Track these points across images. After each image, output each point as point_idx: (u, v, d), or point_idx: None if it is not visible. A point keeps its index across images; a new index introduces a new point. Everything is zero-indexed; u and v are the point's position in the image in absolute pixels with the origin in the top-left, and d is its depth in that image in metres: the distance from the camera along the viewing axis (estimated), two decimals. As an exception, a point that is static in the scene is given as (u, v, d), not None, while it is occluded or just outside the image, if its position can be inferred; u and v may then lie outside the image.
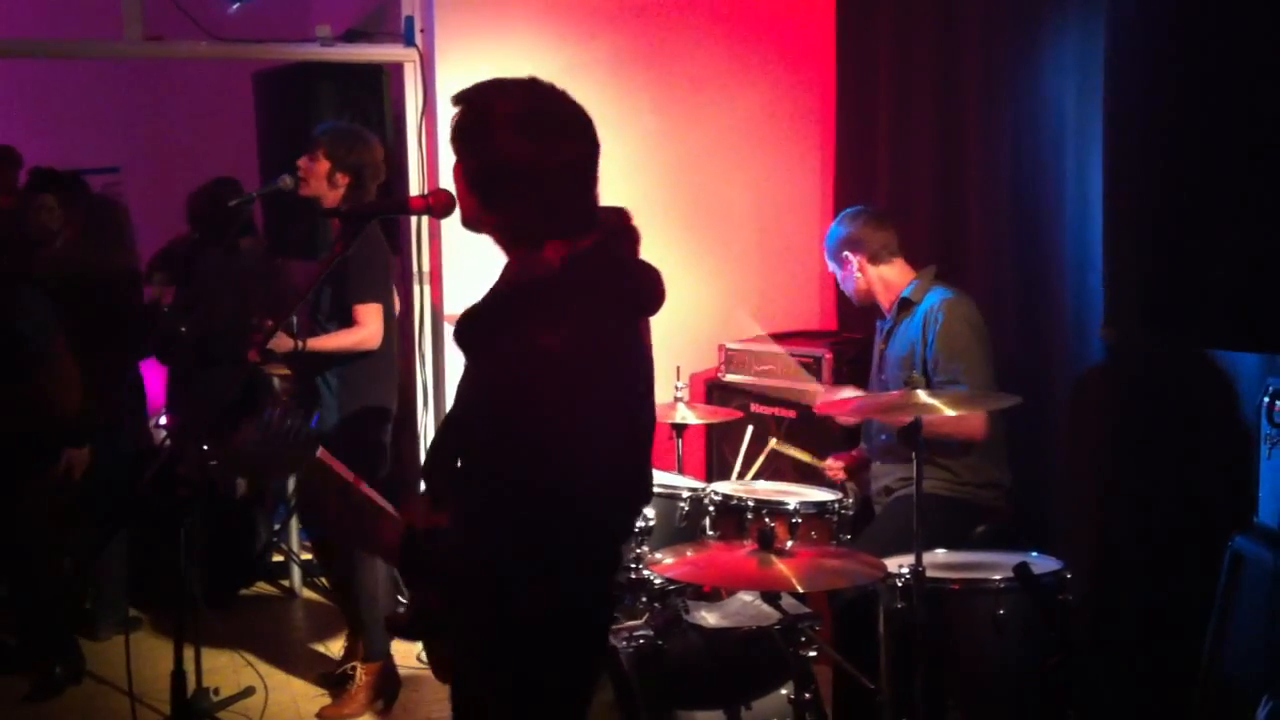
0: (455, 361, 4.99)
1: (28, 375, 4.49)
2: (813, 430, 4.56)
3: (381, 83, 5.44)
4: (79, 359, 4.63)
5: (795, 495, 3.92)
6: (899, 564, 3.31)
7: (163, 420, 5.89)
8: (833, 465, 4.26)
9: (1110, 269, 3.47)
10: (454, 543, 2.32)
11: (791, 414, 4.73)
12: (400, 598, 4.51)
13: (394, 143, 5.24)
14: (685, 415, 4.21)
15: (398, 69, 5.30)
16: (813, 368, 4.71)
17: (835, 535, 3.78)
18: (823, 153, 5.43)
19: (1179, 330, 2.99)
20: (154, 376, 5.75)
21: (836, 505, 3.82)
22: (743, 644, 3.28)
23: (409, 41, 5.18)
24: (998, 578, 3.30)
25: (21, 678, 4.69)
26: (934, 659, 3.26)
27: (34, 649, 4.75)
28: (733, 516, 3.78)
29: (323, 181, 4.29)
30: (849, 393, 4.07)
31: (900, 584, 3.30)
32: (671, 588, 3.48)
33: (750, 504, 3.77)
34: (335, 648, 5.00)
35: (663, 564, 3.18)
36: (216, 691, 4.24)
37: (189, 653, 3.02)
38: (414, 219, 5.14)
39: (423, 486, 2.53)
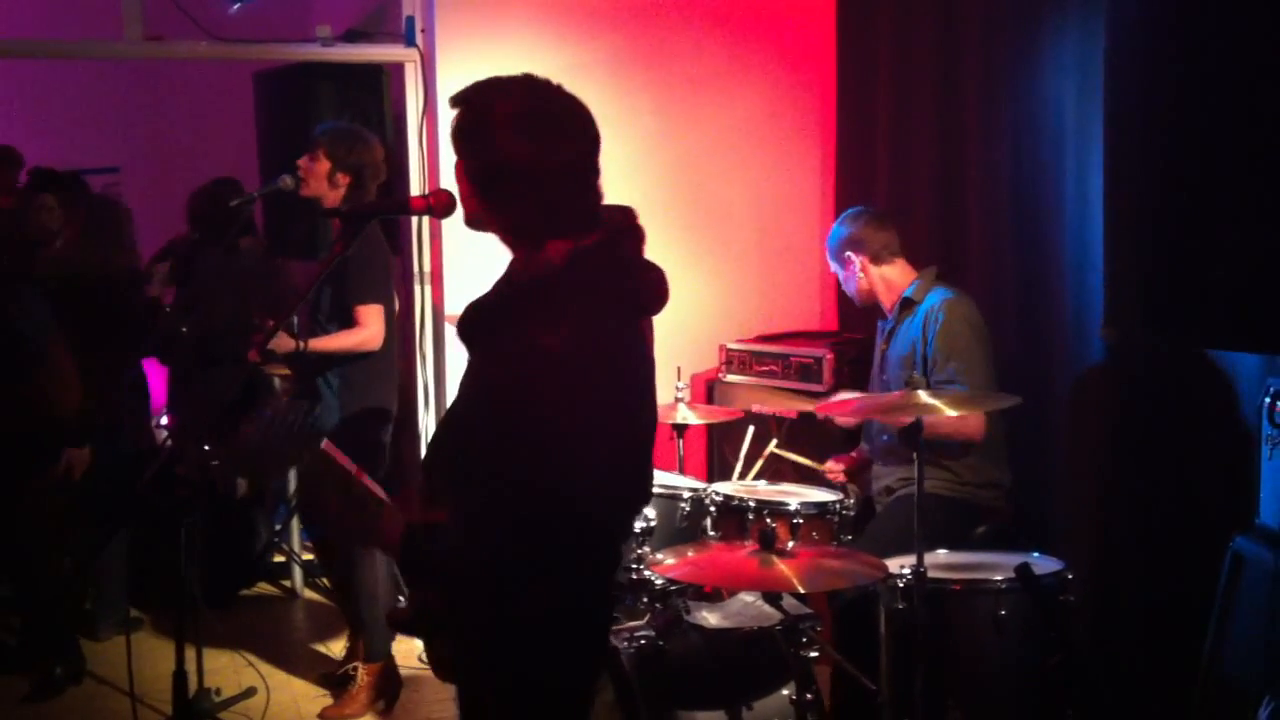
0: (456, 362, 5.03)
1: (28, 375, 4.50)
2: (813, 431, 4.57)
3: (382, 83, 5.44)
4: (79, 359, 4.63)
5: (796, 496, 3.92)
6: (900, 564, 3.31)
7: (164, 420, 5.89)
8: (833, 468, 4.26)
9: (1110, 269, 3.47)
10: (454, 543, 2.32)
11: (792, 415, 4.73)
12: (401, 597, 4.51)
13: (394, 143, 5.24)
14: (686, 415, 4.22)
15: (398, 69, 5.30)
16: (813, 368, 4.71)
17: (836, 536, 3.78)
18: (823, 153, 5.43)
19: (1179, 330, 3.00)
20: (156, 376, 5.75)
21: (838, 506, 3.82)
22: (744, 644, 3.28)
23: (410, 42, 5.18)
24: (999, 578, 3.30)
25: (22, 678, 4.69)
26: (934, 659, 3.26)
27: (34, 649, 4.76)
28: (734, 517, 3.78)
29: (323, 181, 4.29)
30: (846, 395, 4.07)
31: (901, 584, 3.30)
32: (672, 588, 3.48)
33: (751, 504, 3.77)
34: (336, 648, 5.01)
35: (664, 564, 3.18)
36: (218, 692, 4.25)
37: (190, 653, 3.03)
38: (414, 219, 5.14)
39: (422, 482, 2.53)
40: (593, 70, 5.02)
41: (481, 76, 2.35)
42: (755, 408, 4.69)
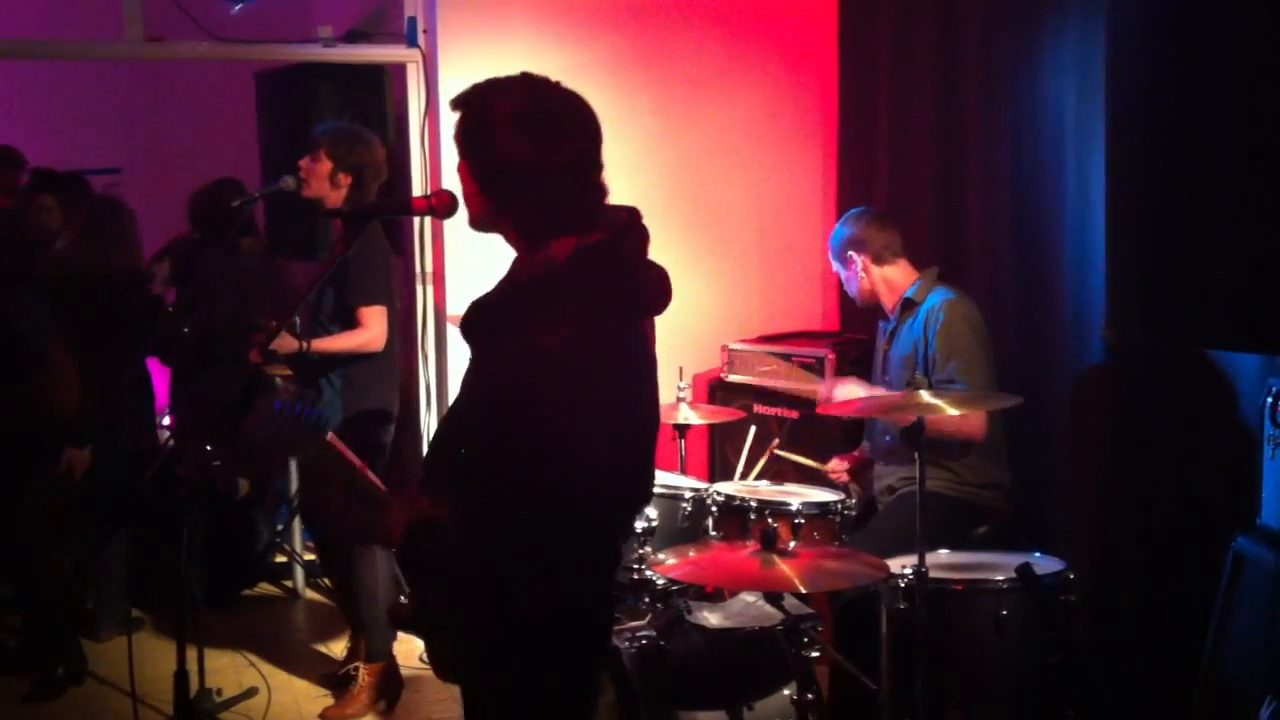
0: (457, 362, 5.03)
1: (27, 375, 4.50)
2: (815, 431, 4.57)
3: (383, 83, 5.44)
4: (79, 359, 4.63)
5: (798, 496, 3.92)
6: (901, 564, 3.32)
7: (165, 420, 5.89)
8: (836, 467, 4.26)
9: (1111, 269, 3.48)
10: (454, 543, 2.32)
11: (794, 414, 4.74)
12: (402, 597, 4.51)
13: (395, 143, 5.24)
14: (688, 416, 4.22)
15: (399, 70, 5.31)
16: (814, 368, 4.71)
17: (838, 536, 3.79)
18: (823, 153, 5.43)
19: (1179, 330, 3.00)
20: (161, 376, 5.75)
21: (839, 506, 3.82)
22: (745, 644, 3.28)
23: (412, 42, 5.18)
24: (1000, 578, 3.30)
25: (23, 678, 4.69)
26: (935, 659, 3.26)
27: (35, 649, 4.75)
28: (735, 517, 3.78)
29: (325, 182, 4.29)
30: (852, 384, 4.06)
31: (902, 584, 3.31)
32: (674, 588, 3.48)
33: (753, 504, 3.77)
34: (338, 648, 5.01)
35: (665, 564, 3.18)
36: (219, 692, 4.25)
37: (191, 653, 3.03)
38: (416, 219, 5.14)
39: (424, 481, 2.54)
40: (593, 70, 5.02)
41: (483, 77, 2.36)
42: (757, 408, 4.70)
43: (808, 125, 5.43)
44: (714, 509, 3.81)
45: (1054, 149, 4.01)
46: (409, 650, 4.67)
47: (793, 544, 3.31)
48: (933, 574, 3.27)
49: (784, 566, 2.97)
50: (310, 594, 5.83)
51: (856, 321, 5.02)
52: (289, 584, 5.90)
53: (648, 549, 3.52)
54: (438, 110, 5.05)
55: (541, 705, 2.34)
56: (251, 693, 4.44)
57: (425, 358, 5.19)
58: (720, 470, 4.92)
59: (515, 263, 2.40)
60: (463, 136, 2.35)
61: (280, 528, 5.90)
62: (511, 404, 2.25)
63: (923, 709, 3.26)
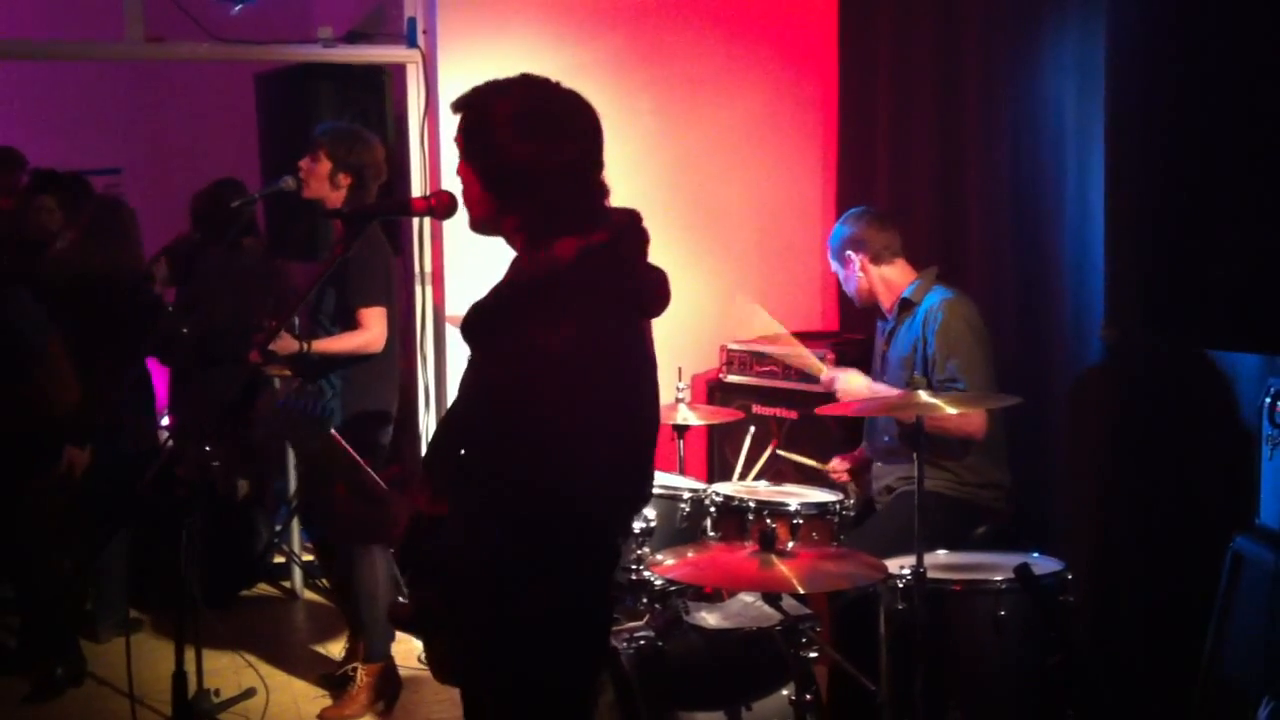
0: (456, 363, 5.02)
1: (27, 375, 4.50)
2: (814, 431, 4.56)
3: (383, 83, 5.44)
4: (80, 359, 4.63)
5: (796, 496, 3.92)
6: (900, 565, 3.31)
7: (165, 421, 5.89)
8: (837, 467, 4.26)
9: (1111, 269, 3.48)
10: (454, 543, 2.32)
11: (793, 415, 4.73)
12: (401, 597, 4.51)
13: (395, 143, 5.24)
14: (687, 416, 4.22)
15: (399, 70, 5.31)
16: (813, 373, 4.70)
17: (836, 536, 3.78)
18: (823, 153, 5.43)
19: (1179, 330, 3.00)
20: (159, 376, 5.75)
21: (838, 506, 3.82)
22: (743, 645, 3.28)
23: (411, 43, 5.18)
24: (999, 578, 3.30)
25: (22, 679, 4.69)
26: (934, 659, 3.26)
27: (34, 650, 4.75)
28: (734, 517, 3.78)
29: (324, 183, 4.28)
30: (855, 374, 4.05)
31: (901, 585, 3.30)
32: (672, 589, 3.48)
33: (751, 505, 3.77)
34: (336, 649, 5.00)
35: (664, 565, 3.18)
36: (217, 693, 4.24)
37: (190, 654, 3.02)
38: (415, 220, 5.13)
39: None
40: (593, 70, 5.02)
41: (483, 77, 2.38)
42: (756, 408, 4.69)
43: (807, 125, 5.43)
44: (712, 509, 3.81)
45: (1054, 149, 4.01)
46: (407, 650, 4.67)
47: (791, 544, 3.31)
48: (932, 574, 3.27)
49: (782, 567, 2.97)
50: (308, 595, 5.83)
51: (855, 322, 5.02)
52: (287, 585, 5.89)
53: (646, 549, 3.52)
54: (437, 111, 5.05)
55: (541, 705, 2.34)
56: (250, 693, 4.43)
57: (424, 358, 5.19)
58: (719, 471, 4.92)
59: (515, 263, 2.40)
60: (464, 138, 2.36)
61: (278, 528, 5.89)
62: (511, 404, 2.25)
63: (922, 709, 3.26)
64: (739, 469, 4.37)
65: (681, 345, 4.50)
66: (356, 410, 4.28)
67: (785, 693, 3.25)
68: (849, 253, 4.10)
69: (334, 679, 4.64)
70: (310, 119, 4.89)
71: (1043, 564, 3.37)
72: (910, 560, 3.27)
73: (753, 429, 4.39)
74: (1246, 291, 2.67)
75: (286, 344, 4.14)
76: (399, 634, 4.48)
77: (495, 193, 2.33)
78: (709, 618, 3.37)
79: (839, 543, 3.73)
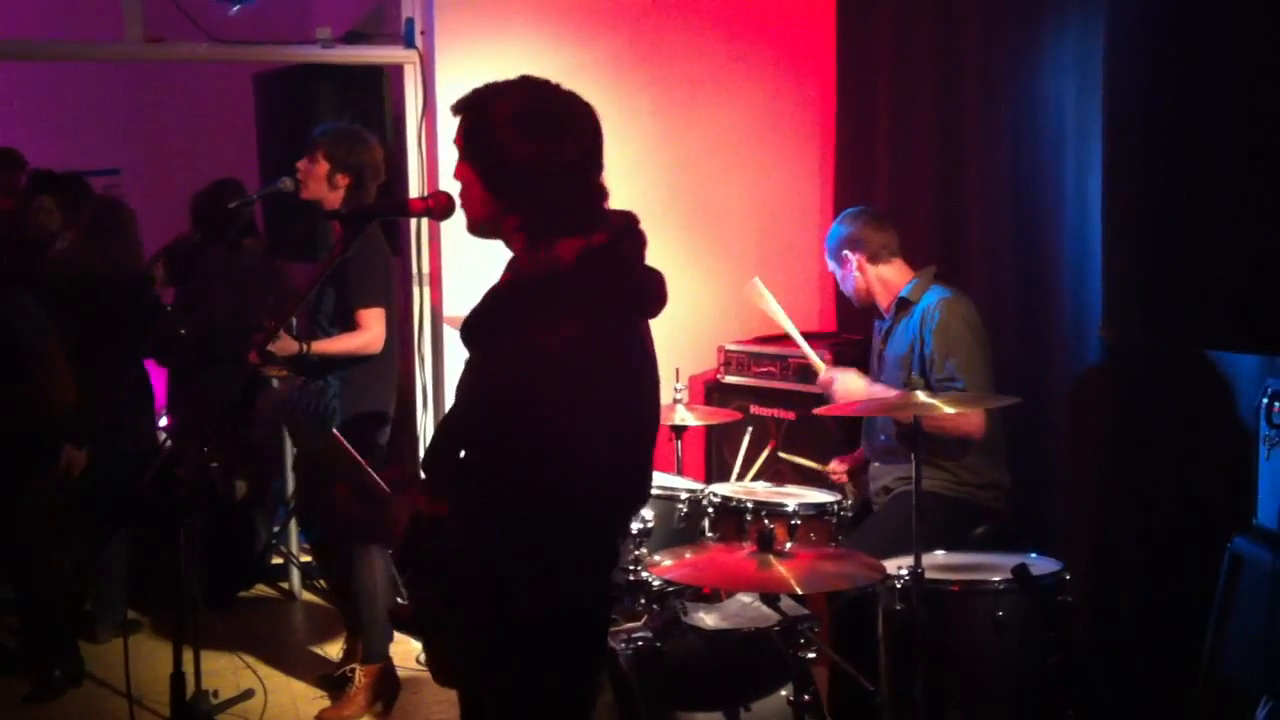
0: (454, 363, 5.02)
1: (27, 375, 4.50)
2: (812, 431, 4.56)
3: (381, 84, 5.44)
4: (80, 359, 4.63)
5: (794, 497, 3.91)
6: (898, 565, 3.31)
7: (164, 421, 5.89)
8: (836, 469, 4.26)
9: (1110, 269, 3.48)
10: (454, 543, 2.32)
11: (791, 415, 4.73)
12: (399, 598, 4.51)
13: (394, 144, 5.24)
14: (684, 417, 4.21)
15: (397, 70, 5.30)
16: (812, 369, 4.70)
17: (834, 537, 3.78)
18: (822, 153, 5.43)
19: (1179, 330, 3.00)
20: (159, 376, 5.75)
21: (835, 507, 3.81)
22: (742, 645, 3.28)
23: (409, 43, 5.18)
24: (997, 579, 3.30)
25: (21, 679, 4.69)
26: (934, 660, 3.26)
27: (33, 651, 4.75)
28: (732, 518, 3.77)
29: (323, 183, 4.28)
30: (853, 375, 4.05)
31: (899, 585, 3.30)
32: (670, 589, 3.47)
33: (749, 505, 3.76)
34: (334, 650, 5.00)
35: (662, 566, 3.18)
36: (216, 694, 4.24)
37: (188, 655, 3.02)
38: (414, 221, 5.13)
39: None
40: (592, 71, 5.02)
41: (481, 78, 2.39)
42: (754, 409, 4.69)
43: (807, 125, 5.43)
44: (710, 510, 3.80)
45: (1053, 149, 4.01)
46: (406, 651, 4.67)
47: (789, 545, 3.31)
48: (930, 575, 3.27)
49: (780, 567, 2.97)
50: (307, 595, 5.82)
51: (854, 322, 5.01)
52: (285, 586, 5.89)
53: (644, 550, 3.51)
54: (435, 111, 5.05)
55: (541, 705, 2.34)
56: (248, 694, 4.42)
57: (422, 359, 5.19)
58: (717, 471, 4.92)
59: (512, 264, 2.40)
60: (465, 139, 2.36)
61: (276, 529, 5.89)
62: (511, 403, 2.25)
63: (921, 710, 3.25)
64: (737, 469, 4.37)
65: (679, 346, 4.49)
66: (354, 411, 4.27)
67: (784, 693, 3.24)
68: (846, 252, 4.10)
69: (332, 680, 4.64)
70: (309, 119, 4.89)
71: (1042, 564, 3.37)
72: (909, 560, 3.26)
73: (750, 430, 4.38)
74: (1246, 291, 2.66)
75: (287, 345, 4.14)
76: (397, 635, 4.48)
77: (497, 193, 2.33)
78: (707, 618, 3.37)
79: (837, 543, 3.73)
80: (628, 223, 2.39)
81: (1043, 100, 4.07)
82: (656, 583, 3.48)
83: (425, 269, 5.18)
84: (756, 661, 3.26)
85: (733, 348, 5.00)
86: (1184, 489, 3.57)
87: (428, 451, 2.57)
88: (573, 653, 2.36)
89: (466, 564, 2.29)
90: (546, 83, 2.37)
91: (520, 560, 2.25)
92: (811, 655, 3.19)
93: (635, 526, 3.50)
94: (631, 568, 3.50)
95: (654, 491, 3.00)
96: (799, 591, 3.04)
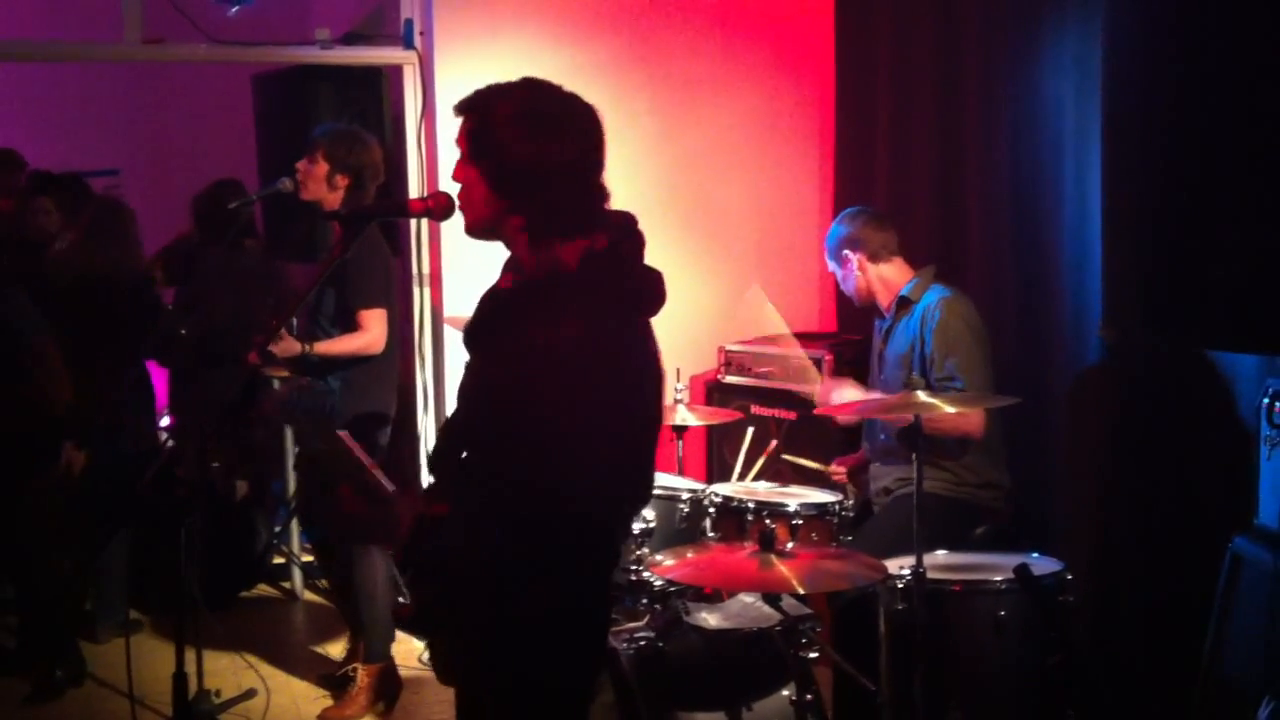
0: (455, 364, 5.02)
1: (27, 375, 4.50)
2: (813, 432, 4.56)
3: (381, 85, 5.44)
4: (80, 359, 4.63)
5: (796, 497, 3.92)
6: (899, 565, 3.31)
7: (164, 421, 5.89)
8: (837, 469, 4.26)
9: (1109, 269, 3.48)
10: (454, 543, 2.33)
11: (791, 415, 4.73)
12: (401, 599, 4.51)
13: (393, 145, 5.24)
14: (685, 417, 4.21)
15: (396, 71, 5.30)
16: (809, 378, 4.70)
17: (836, 537, 3.78)
18: (822, 153, 5.43)
19: (1179, 330, 3.00)
20: (159, 376, 5.75)
21: (837, 507, 3.81)
22: (743, 645, 3.28)
23: (408, 44, 5.18)
24: (998, 579, 3.30)
25: (22, 680, 4.68)
26: (934, 660, 3.26)
27: (34, 651, 4.75)
28: (733, 518, 3.78)
29: (322, 184, 4.28)
30: (849, 389, 4.07)
31: (901, 585, 3.30)
32: (672, 589, 3.47)
33: (750, 505, 3.76)
34: (336, 649, 5.00)
35: (663, 566, 3.18)
36: (218, 693, 4.24)
37: (190, 655, 3.02)
38: (413, 221, 5.13)
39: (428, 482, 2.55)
40: (591, 72, 5.02)
41: (480, 79, 2.40)
42: (755, 409, 4.69)
43: (806, 126, 5.43)
44: (712, 510, 3.80)
45: (1053, 149, 4.01)
46: (408, 651, 4.67)
47: (790, 545, 3.31)
48: (931, 575, 3.27)
49: (782, 567, 2.97)
50: (308, 595, 5.82)
51: (854, 322, 5.02)
52: (287, 585, 5.89)
53: (645, 550, 3.51)
54: (434, 112, 5.05)
55: (541, 705, 2.35)
56: (250, 694, 4.43)
57: (422, 360, 5.19)
58: (718, 471, 4.92)
59: (512, 264, 2.40)
60: (468, 140, 2.36)
61: (277, 529, 5.89)
62: (512, 403, 2.25)
63: (922, 710, 3.25)
64: (738, 469, 4.37)
65: (680, 346, 4.48)
66: (355, 411, 4.27)
67: (785, 693, 3.25)
68: (846, 252, 4.10)
69: (334, 679, 4.64)
70: (308, 120, 4.89)
71: (1042, 564, 3.37)
72: (910, 560, 3.27)
73: (751, 430, 4.38)
74: (1246, 291, 2.67)
75: (289, 346, 4.14)
76: (399, 634, 4.49)
77: (500, 193, 2.33)
78: (709, 618, 3.37)
79: (838, 543, 3.73)
80: (627, 223, 2.39)
81: (1042, 100, 4.08)
82: (658, 583, 3.49)
83: (425, 269, 5.18)
84: (758, 661, 3.26)
85: (733, 348, 5.00)
86: (1184, 489, 3.57)
87: (432, 455, 2.57)
88: (573, 653, 2.36)
89: (467, 564, 2.29)
90: (549, 84, 2.38)
91: (520, 560, 2.25)
92: (813, 655, 3.19)
93: (637, 526, 3.50)
94: (633, 568, 3.50)
95: (655, 492, 3.00)
96: (800, 591, 3.04)
